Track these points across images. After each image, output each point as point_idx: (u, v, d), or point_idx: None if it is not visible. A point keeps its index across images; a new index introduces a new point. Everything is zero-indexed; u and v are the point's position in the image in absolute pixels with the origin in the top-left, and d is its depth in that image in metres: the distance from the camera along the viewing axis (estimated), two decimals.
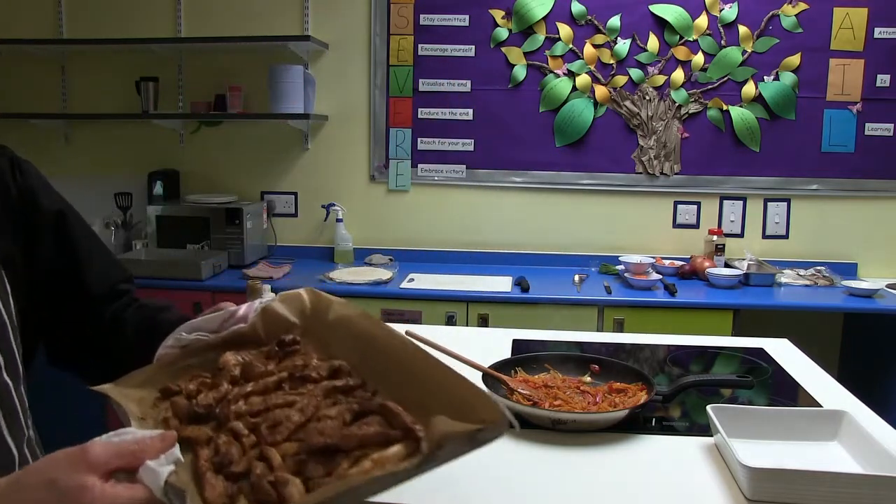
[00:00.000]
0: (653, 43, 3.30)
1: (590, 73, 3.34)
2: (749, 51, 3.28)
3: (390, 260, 3.41)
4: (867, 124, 3.28)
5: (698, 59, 3.30)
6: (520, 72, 3.35)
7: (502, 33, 3.34)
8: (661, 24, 3.30)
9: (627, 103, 3.34)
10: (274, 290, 1.89)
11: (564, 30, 3.32)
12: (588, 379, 1.38)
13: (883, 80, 3.26)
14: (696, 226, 3.43)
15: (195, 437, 0.73)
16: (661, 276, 3.06)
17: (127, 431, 0.69)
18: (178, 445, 0.69)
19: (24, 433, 0.92)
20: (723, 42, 3.29)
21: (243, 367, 0.85)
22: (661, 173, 3.38)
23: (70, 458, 0.62)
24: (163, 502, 0.64)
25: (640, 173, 3.39)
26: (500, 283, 3.02)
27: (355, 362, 0.83)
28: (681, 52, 3.30)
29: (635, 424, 1.25)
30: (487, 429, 0.63)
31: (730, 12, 3.26)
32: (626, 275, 3.10)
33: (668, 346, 1.77)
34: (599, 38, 3.32)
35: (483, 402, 0.65)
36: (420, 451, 0.64)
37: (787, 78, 3.27)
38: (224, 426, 0.74)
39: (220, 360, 0.88)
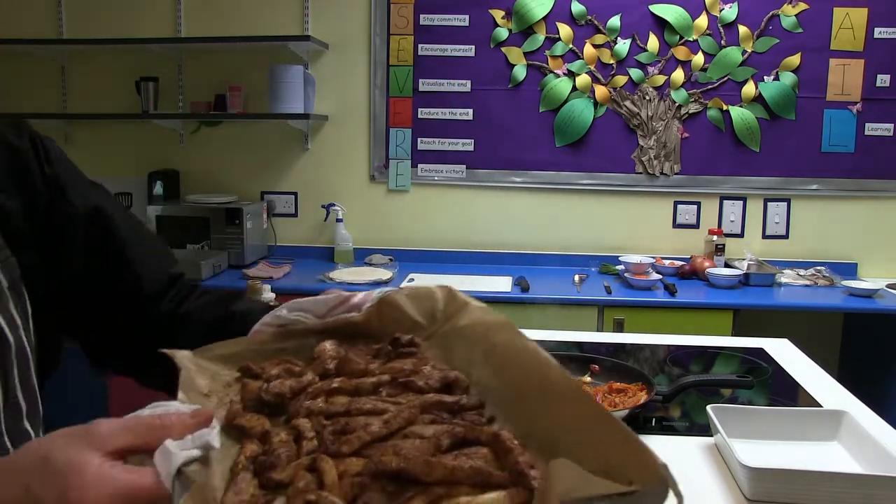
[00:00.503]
0: (653, 43, 3.30)
1: (590, 73, 3.34)
2: (749, 51, 3.28)
3: (390, 260, 3.41)
4: (867, 124, 3.28)
5: (698, 59, 3.30)
6: (520, 72, 3.35)
7: (502, 33, 3.34)
8: (661, 24, 3.30)
9: (627, 103, 3.34)
10: (274, 291, 1.89)
11: (564, 30, 3.32)
12: (588, 379, 1.38)
13: (883, 80, 3.26)
14: (696, 226, 3.43)
15: (249, 428, 0.60)
16: (661, 276, 3.06)
17: (161, 405, 0.56)
18: (216, 429, 0.55)
19: None
20: (723, 42, 3.29)
21: (341, 361, 0.71)
22: (661, 173, 3.38)
23: (71, 432, 0.52)
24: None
25: (640, 173, 3.39)
26: (500, 283, 3.02)
27: (479, 379, 0.67)
28: (681, 52, 3.30)
29: (635, 424, 1.25)
30: (637, 494, 0.45)
31: (730, 12, 3.26)
32: (626, 275, 3.10)
33: (669, 346, 1.77)
34: (599, 38, 3.32)
35: (637, 455, 0.48)
36: None
37: (787, 78, 3.27)
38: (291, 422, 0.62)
39: (317, 348, 0.75)
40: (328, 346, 0.75)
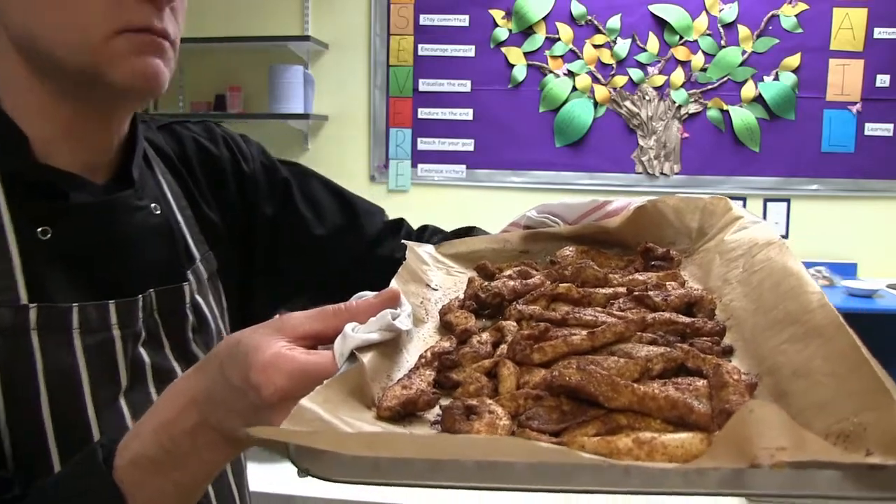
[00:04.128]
0: (653, 43, 3.31)
1: (590, 73, 3.34)
2: (749, 51, 3.28)
3: None
4: (867, 124, 3.28)
5: (698, 59, 3.30)
6: (520, 72, 3.35)
7: (502, 33, 3.34)
8: (661, 25, 3.30)
9: (627, 103, 3.34)
10: None
11: (564, 30, 3.32)
12: None
13: (883, 80, 3.26)
14: None
15: (455, 324, 0.57)
16: None
17: (363, 295, 0.54)
18: (404, 313, 0.52)
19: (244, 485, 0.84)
20: (723, 42, 3.29)
21: (579, 268, 0.64)
22: (661, 173, 3.38)
23: (265, 323, 0.53)
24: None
25: (640, 173, 3.39)
26: None
27: (731, 301, 0.58)
28: (681, 53, 3.30)
29: None
30: (884, 470, 0.32)
31: (730, 12, 3.26)
32: None
33: None
34: (599, 39, 3.32)
35: (889, 417, 0.35)
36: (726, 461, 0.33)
37: (787, 78, 3.27)
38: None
39: (558, 252, 0.70)
40: (569, 251, 0.70)
